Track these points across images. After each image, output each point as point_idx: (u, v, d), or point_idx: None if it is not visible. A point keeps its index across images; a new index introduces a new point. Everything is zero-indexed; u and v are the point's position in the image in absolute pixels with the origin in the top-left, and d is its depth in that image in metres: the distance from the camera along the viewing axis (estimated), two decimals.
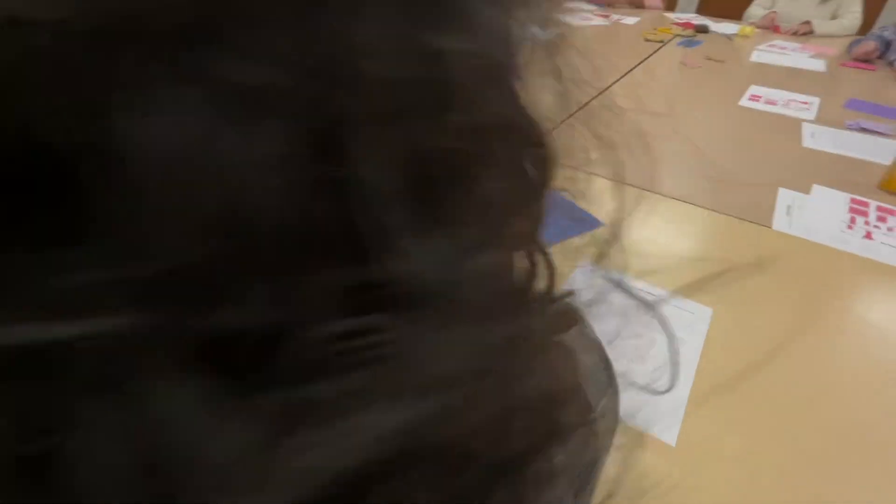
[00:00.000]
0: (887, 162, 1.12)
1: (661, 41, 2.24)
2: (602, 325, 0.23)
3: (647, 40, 2.25)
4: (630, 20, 2.61)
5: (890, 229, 0.95)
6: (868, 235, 0.93)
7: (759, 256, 0.86)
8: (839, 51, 2.16)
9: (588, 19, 2.54)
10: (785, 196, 1.03)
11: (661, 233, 0.94)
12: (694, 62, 1.93)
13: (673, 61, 1.96)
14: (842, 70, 1.96)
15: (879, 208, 1.01)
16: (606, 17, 2.62)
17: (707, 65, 1.92)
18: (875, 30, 2.15)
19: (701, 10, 3.55)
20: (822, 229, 0.93)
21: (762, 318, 0.75)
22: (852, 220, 0.97)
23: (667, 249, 0.90)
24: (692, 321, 0.72)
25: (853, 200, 1.03)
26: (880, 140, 1.34)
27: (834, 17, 2.48)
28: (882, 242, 0.91)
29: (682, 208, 1.00)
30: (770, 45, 2.22)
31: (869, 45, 2.05)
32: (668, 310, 0.74)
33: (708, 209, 0.99)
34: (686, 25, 2.50)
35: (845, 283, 0.85)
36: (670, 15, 2.79)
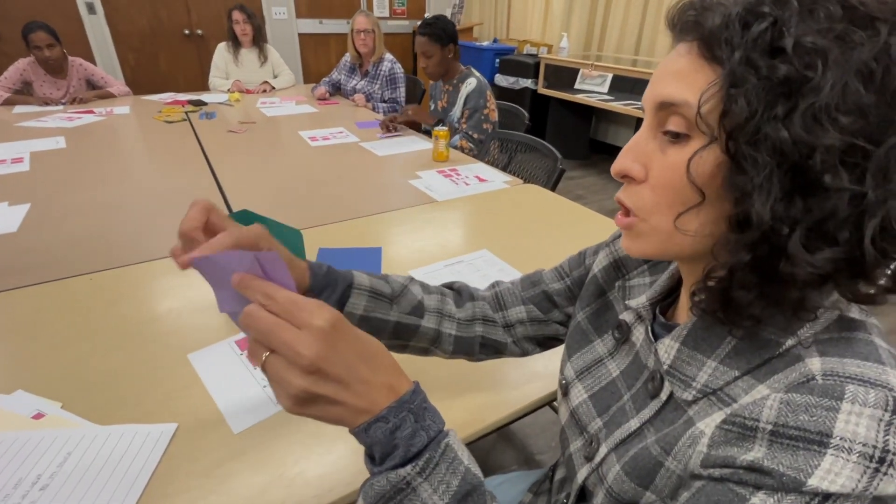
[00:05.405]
0: (429, 146, 1.83)
1: (182, 119, 2.34)
2: None
3: (169, 122, 2.29)
4: (121, 109, 2.50)
5: (467, 178, 1.62)
6: (465, 183, 1.57)
7: (428, 220, 1.33)
8: (307, 97, 2.92)
9: (77, 118, 2.27)
10: (420, 182, 1.54)
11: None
12: (238, 128, 2.18)
13: (219, 133, 2.13)
14: (324, 107, 2.69)
15: (440, 171, 1.67)
16: (92, 112, 2.41)
17: (246, 127, 2.21)
18: (325, 77, 3.02)
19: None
20: (444, 191, 1.49)
21: None
22: (452, 180, 1.59)
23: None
24: None
25: (452, 170, 1.66)
26: (401, 138, 2.08)
27: (276, 76, 3.25)
28: (466, 184, 1.56)
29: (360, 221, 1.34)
30: (262, 102, 2.73)
31: (320, 89, 2.89)
32: None
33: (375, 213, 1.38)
34: (180, 103, 2.65)
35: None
36: (153, 97, 2.83)
